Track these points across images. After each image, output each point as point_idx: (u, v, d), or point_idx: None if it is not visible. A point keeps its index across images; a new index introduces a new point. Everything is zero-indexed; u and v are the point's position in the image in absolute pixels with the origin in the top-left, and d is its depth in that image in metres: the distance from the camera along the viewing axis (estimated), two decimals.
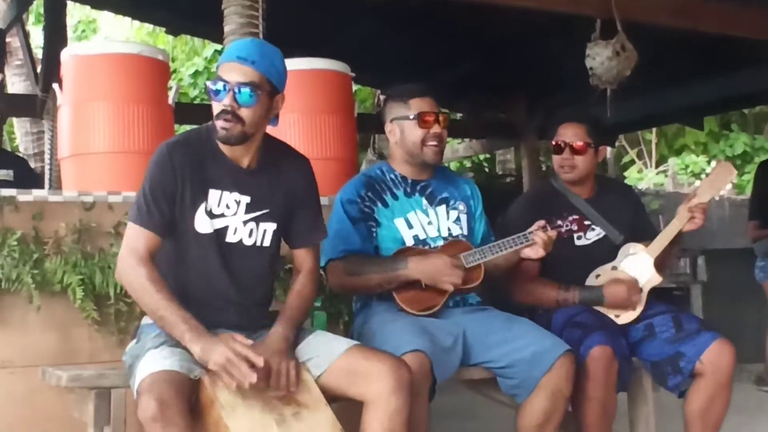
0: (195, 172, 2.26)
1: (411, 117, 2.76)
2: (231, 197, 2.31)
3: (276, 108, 2.34)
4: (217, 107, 2.25)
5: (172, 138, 2.37)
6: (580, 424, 2.70)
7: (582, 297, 2.90)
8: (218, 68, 2.30)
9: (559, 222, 2.72)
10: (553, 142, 3.05)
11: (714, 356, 2.74)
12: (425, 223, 2.80)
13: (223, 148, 2.30)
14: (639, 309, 2.91)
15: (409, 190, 2.83)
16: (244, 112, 2.23)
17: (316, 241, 2.47)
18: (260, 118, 2.27)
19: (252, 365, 2.06)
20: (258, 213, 2.34)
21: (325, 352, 2.27)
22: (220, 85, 2.23)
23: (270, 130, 2.42)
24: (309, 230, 2.44)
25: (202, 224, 2.27)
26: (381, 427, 2.16)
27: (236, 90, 2.22)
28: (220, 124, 2.24)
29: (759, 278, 5.94)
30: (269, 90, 2.28)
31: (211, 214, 2.28)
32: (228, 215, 2.30)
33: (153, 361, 2.08)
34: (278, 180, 2.38)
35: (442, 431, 3.56)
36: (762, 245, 5.80)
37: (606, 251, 2.99)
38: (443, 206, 2.84)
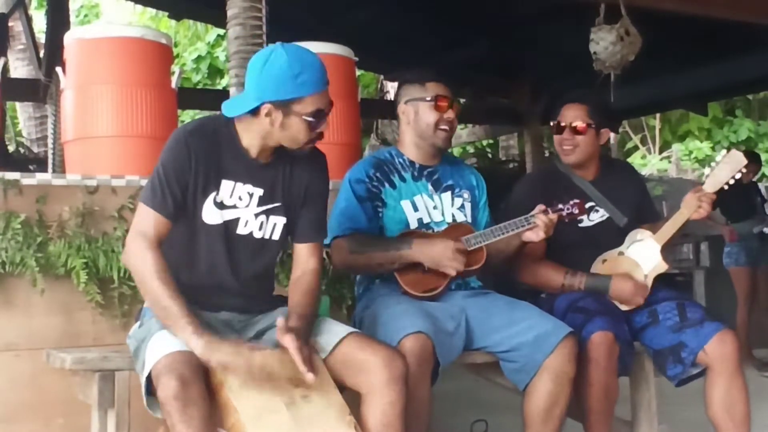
0: (210, 161, 2.24)
1: (428, 99, 2.78)
2: (244, 189, 2.29)
3: None
4: (313, 134, 2.28)
5: (188, 124, 2.34)
6: (581, 408, 2.70)
7: (588, 284, 2.89)
8: (302, 99, 2.22)
9: (560, 206, 2.73)
10: (554, 122, 3.04)
11: (718, 347, 2.72)
12: (431, 207, 2.81)
13: (240, 138, 2.29)
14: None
15: (416, 174, 2.84)
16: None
17: (321, 239, 2.43)
18: None
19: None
20: (270, 206, 2.33)
21: (324, 339, 2.27)
22: (321, 116, 2.26)
23: None
24: (317, 227, 2.41)
25: (210, 214, 2.26)
26: (375, 420, 2.16)
27: (327, 115, 2.29)
28: (310, 146, 2.31)
29: (726, 263, 5.99)
30: None
31: (221, 205, 2.27)
32: (240, 207, 2.29)
33: (165, 342, 2.08)
34: (291, 174, 2.36)
35: (444, 416, 3.57)
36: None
37: (610, 233, 2.97)
38: (448, 193, 2.86)
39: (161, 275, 2.13)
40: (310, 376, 2.08)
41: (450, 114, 2.78)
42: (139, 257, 2.16)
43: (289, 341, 2.11)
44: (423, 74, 2.85)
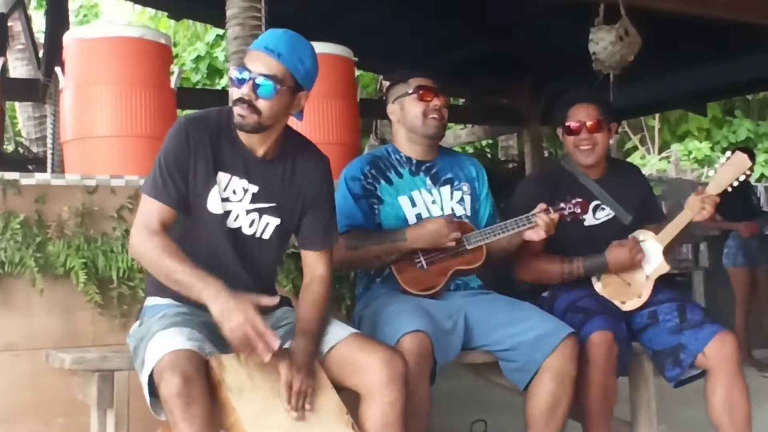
0: (208, 152, 2.24)
1: (410, 92, 2.80)
2: (239, 184, 2.29)
3: (299, 104, 2.30)
4: (236, 94, 2.22)
5: (192, 113, 2.34)
6: (581, 408, 2.71)
7: (586, 265, 2.89)
8: (247, 54, 2.27)
9: (562, 204, 2.72)
10: (567, 124, 3.02)
11: (717, 348, 2.73)
12: (429, 202, 2.81)
13: (240, 133, 2.29)
14: (645, 296, 2.90)
15: (414, 169, 2.84)
16: (261, 104, 2.20)
17: (330, 245, 2.41)
18: (277, 112, 2.24)
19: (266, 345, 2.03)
20: (263, 205, 2.31)
21: (323, 339, 2.26)
22: (242, 73, 2.20)
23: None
24: (323, 233, 2.39)
25: (215, 204, 2.26)
26: (375, 421, 2.16)
27: (256, 81, 2.19)
28: (236, 110, 2.22)
29: (725, 264, 5.99)
30: (292, 86, 2.23)
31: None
32: (233, 201, 2.28)
33: (167, 341, 2.08)
34: (292, 176, 2.35)
35: (443, 416, 3.57)
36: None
37: (615, 232, 2.96)
38: (447, 186, 2.86)
39: (168, 251, 2.12)
40: (294, 414, 2.08)
41: (436, 102, 2.79)
42: (142, 244, 2.16)
43: (283, 371, 2.10)
44: (406, 72, 2.88)
